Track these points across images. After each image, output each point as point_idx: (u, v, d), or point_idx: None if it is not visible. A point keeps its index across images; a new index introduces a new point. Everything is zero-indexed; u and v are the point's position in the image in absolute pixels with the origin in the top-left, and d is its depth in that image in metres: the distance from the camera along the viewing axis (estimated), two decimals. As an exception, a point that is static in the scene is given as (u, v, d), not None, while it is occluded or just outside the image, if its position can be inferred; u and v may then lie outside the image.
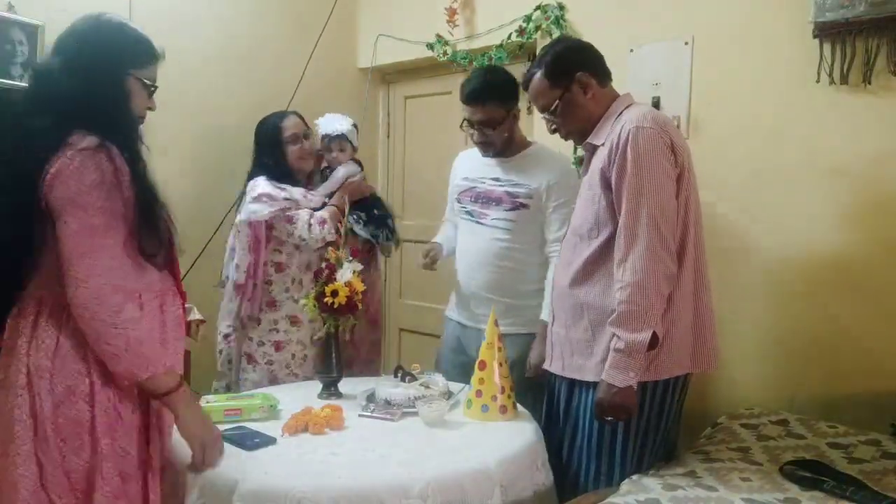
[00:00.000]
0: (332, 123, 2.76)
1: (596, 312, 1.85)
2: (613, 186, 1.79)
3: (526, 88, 2.00)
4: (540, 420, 2.07)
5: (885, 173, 2.16)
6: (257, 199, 2.52)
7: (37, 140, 1.42)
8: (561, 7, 2.84)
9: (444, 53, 3.21)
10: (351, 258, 2.29)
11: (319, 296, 2.18)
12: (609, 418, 1.79)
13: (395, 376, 2.20)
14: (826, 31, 2.20)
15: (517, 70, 2.43)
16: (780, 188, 2.34)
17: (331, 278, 2.19)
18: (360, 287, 2.20)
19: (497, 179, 2.45)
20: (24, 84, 2.40)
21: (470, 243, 2.50)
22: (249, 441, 1.79)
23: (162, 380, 1.47)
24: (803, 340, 2.31)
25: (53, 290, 1.45)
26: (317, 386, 2.26)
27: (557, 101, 1.91)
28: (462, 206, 2.53)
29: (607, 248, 1.83)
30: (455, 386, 2.22)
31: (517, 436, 1.90)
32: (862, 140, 2.19)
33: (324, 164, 2.84)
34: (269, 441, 1.81)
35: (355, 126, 2.84)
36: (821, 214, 2.27)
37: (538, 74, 1.94)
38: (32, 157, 1.41)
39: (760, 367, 2.39)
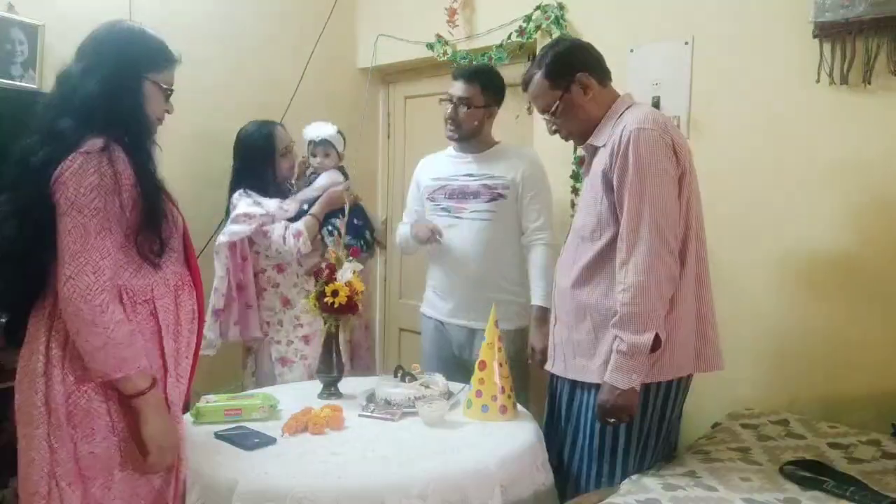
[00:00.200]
0: (316, 129, 2.81)
1: (598, 314, 1.85)
2: (615, 188, 1.78)
3: (525, 89, 1.99)
4: (541, 420, 2.07)
5: (885, 173, 2.16)
6: (235, 219, 2.58)
7: (57, 142, 1.48)
8: (561, 7, 2.84)
9: (444, 53, 3.20)
10: (351, 258, 2.29)
11: (320, 296, 2.18)
12: (611, 420, 1.79)
13: (395, 376, 2.20)
14: (826, 31, 2.20)
15: (517, 70, 2.43)
16: (780, 188, 2.34)
17: (331, 278, 2.19)
18: (360, 287, 2.20)
19: (471, 175, 2.54)
20: (24, 84, 2.42)
21: (449, 239, 2.53)
22: (249, 441, 1.79)
23: (133, 381, 1.50)
24: (803, 340, 2.31)
25: None
26: (317, 386, 2.26)
27: (557, 102, 1.91)
28: (436, 203, 2.58)
29: (610, 249, 1.82)
30: (455, 386, 2.22)
31: (517, 436, 1.90)
32: (862, 140, 2.19)
33: (310, 171, 2.86)
34: (269, 441, 1.81)
35: (341, 133, 2.87)
36: (821, 214, 2.27)
37: (538, 75, 1.93)
38: (51, 158, 1.46)
39: (760, 367, 2.39)
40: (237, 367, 2.87)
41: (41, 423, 1.48)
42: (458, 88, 2.48)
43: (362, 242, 2.78)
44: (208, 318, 2.60)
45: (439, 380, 2.20)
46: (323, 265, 2.29)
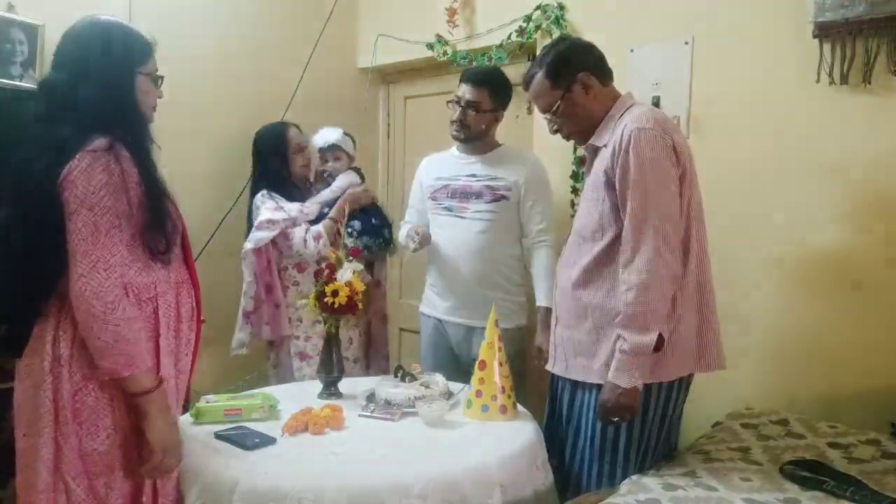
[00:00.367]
0: (322, 136, 2.89)
1: (600, 314, 1.85)
2: (617, 188, 1.78)
3: (527, 88, 1.99)
4: (541, 420, 2.07)
5: (885, 173, 2.16)
6: (259, 226, 2.66)
7: (59, 151, 1.48)
8: (561, 7, 2.84)
9: (444, 53, 3.20)
10: (351, 258, 2.29)
11: (320, 295, 2.18)
12: (614, 419, 1.79)
13: (395, 376, 2.20)
14: (826, 31, 2.20)
15: (517, 70, 2.43)
16: (780, 188, 2.34)
17: (331, 278, 2.19)
18: (360, 287, 2.20)
19: (473, 175, 2.55)
20: (24, 84, 2.42)
21: (450, 237, 2.56)
22: (249, 441, 1.79)
23: (141, 379, 1.51)
24: (803, 340, 2.31)
25: None
26: (317, 386, 2.26)
27: (559, 102, 1.91)
28: (438, 202, 2.61)
29: (611, 249, 1.83)
30: (455, 386, 2.22)
31: (517, 436, 1.90)
32: (862, 140, 2.19)
33: (326, 174, 2.92)
34: (269, 441, 1.81)
35: (348, 135, 2.94)
36: (821, 214, 2.27)
37: (539, 74, 1.92)
38: (54, 166, 1.47)
39: (760, 367, 2.39)
40: (259, 360, 2.95)
41: (48, 420, 1.49)
42: (467, 91, 2.49)
43: (381, 241, 2.86)
44: (239, 319, 2.73)
45: (439, 380, 2.20)
46: (323, 265, 2.29)
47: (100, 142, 1.48)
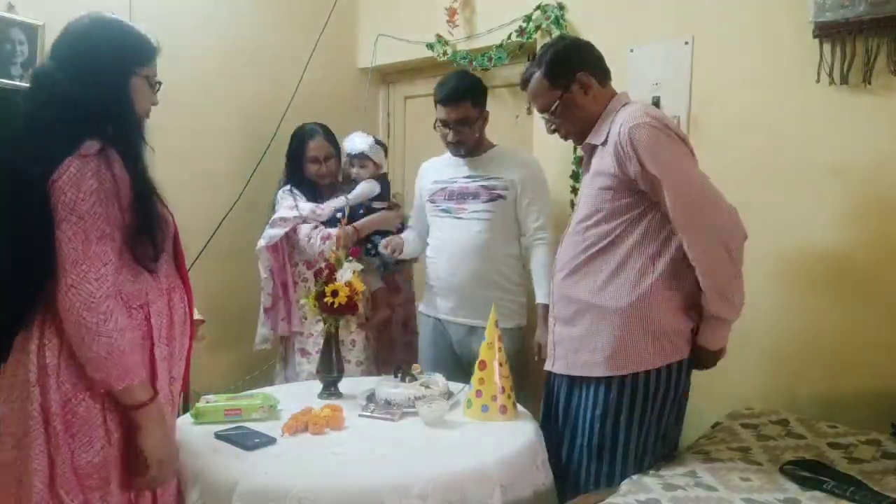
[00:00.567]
0: (352, 142, 2.89)
1: (598, 309, 1.85)
2: (644, 187, 1.78)
3: (524, 88, 1.99)
4: (537, 419, 2.07)
5: (885, 173, 2.16)
6: (273, 223, 2.71)
7: (50, 151, 1.42)
8: (561, 7, 2.84)
9: (444, 53, 3.20)
10: (351, 258, 2.30)
11: (319, 296, 2.18)
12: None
13: (395, 376, 2.20)
14: (826, 31, 2.20)
15: (517, 70, 2.43)
16: (780, 188, 2.33)
17: (331, 278, 2.19)
18: (360, 287, 2.20)
19: (470, 177, 2.57)
20: (24, 84, 2.41)
21: (449, 239, 2.58)
22: (249, 441, 1.79)
23: (135, 392, 1.47)
24: (803, 340, 2.31)
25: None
26: (317, 386, 2.26)
27: (557, 102, 1.91)
28: (436, 205, 2.63)
29: (610, 246, 1.84)
30: (455, 386, 2.22)
31: (517, 436, 1.90)
32: (862, 140, 2.19)
33: (352, 178, 2.93)
34: (269, 441, 1.80)
35: (380, 144, 2.95)
36: (821, 214, 2.27)
37: (537, 74, 1.92)
38: (46, 164, 1.41)
39: (760, 367, 2.39)
40: (261, 359, 2.99)
41: (39, 433, 1.44)
42: (449, 112, 2.49)
43: (399, 261, 2.85)
44: (261, 315, 2.79)
45: (439, 380, 2.20)
46: (322, 265, 2.29)
47: (90, 145, 1.42)
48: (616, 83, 1.99)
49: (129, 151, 1.49)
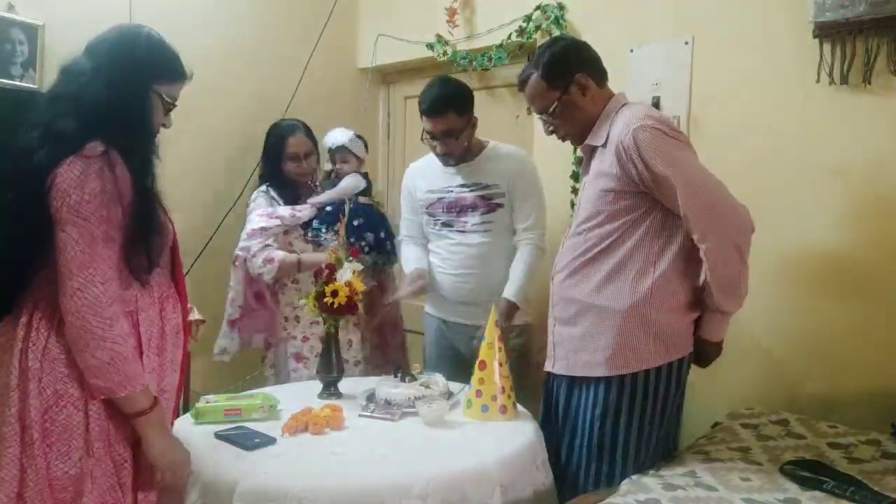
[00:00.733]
0: (332, 137, 2.85)
1: (599, 309, 1.86)
2: (656, 192, 1.78)
3: (521, 89, 1.98)
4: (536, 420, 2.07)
5: (885, 173, 2.16)
6: (252, 235, 2.63)
7: (58, 143, 1.42)
8: (561, 7, 2.84)
9: (444, 53, 3.20)
10: (351, 258, 2.29)
11: (319, 296, 2.18)
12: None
13: (395, 376, 2.20)
14: (826, 31, 2.20)
15: (517, 70, 2.42)
16: (780, 188, 2.33)
17: (331, 278, 2.19)
18: (359, 287, 2.20)
19: (464, 186, 2.53)
20: (24, 84, 2.42)
21: (453, 251, 2.56)
22: (249, 441, 1.79)
23: (136, 399, 1.45)
24: (803, 340, 2.31)
25: (49, 292, 1.44)
26: (317, 386, 2.26)
27: (556, 103, 1.90)
28: (436, 218, 2.60)
29: (611, 247, 1.84)
30: (455, 386, 2.22)
31: (517, 436, 1.90)
32: (862, 140, 2.19)
33: (333, 175, 2.89)
34: (269, 441, 1.80)
35: (360, 138, 2.89)
36: (821, 214, 2.27)
37: (535, 75, 1.91)
38: (51, 159, 1.40)
39: (760, 367, 2.39)
40: (255, 360, 2.94)
41: (13, 441, 1.39)
42: (435, 124, 2.43)
43: (386, 256, 2.83)
44: (223, 326, 2.69)
45: (439, 380, 2.20)
46: (322, 265, 2.29)
47: (94, 146, 1.41)
48: (616, 83, 1.99)
49: (136, 158, 1.48)
